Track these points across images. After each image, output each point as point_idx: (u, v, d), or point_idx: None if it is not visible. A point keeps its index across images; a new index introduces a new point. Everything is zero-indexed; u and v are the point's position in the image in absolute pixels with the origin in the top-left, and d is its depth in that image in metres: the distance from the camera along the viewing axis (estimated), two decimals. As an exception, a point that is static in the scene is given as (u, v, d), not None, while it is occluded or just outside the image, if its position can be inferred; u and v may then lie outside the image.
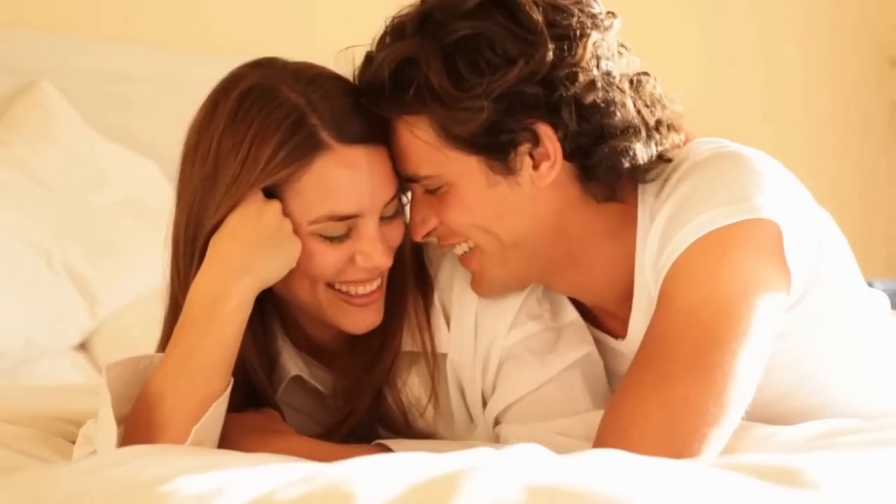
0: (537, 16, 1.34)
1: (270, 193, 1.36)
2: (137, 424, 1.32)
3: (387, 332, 1.47)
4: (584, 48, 1.35)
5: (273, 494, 0.91)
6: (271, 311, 1.49)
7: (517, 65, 1.33)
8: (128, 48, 2.86)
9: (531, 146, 1.36)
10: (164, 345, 1.45)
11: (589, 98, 1.35)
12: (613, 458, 1.02)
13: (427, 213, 1.44)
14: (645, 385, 1.26)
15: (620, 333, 1.50)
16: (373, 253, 1.39)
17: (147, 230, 2.61)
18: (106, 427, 1.31)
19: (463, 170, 1.38)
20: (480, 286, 1.46)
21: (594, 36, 1.37)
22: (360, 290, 1.42)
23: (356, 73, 1.42)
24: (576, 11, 1.37)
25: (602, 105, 1.36)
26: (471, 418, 1.51)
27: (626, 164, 1.37)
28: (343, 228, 1.38)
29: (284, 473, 0.98)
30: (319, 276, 1.40)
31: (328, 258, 1.39)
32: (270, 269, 1.36)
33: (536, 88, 1.34)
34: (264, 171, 1.34)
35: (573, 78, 1.34)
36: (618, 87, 1.38)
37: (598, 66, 1.36)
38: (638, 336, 1.45)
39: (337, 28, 2.95)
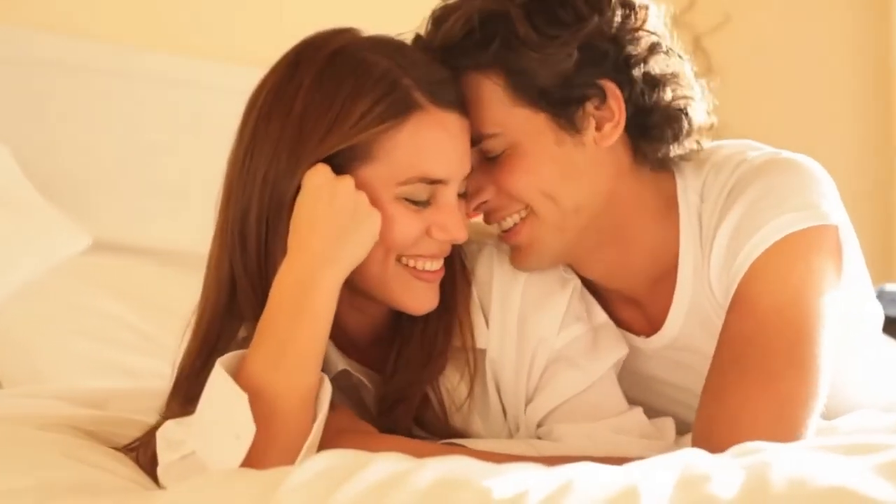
0: None
1: (340, 169, 1.34)
2: None
3: (440, 323, 1.47)
4: (646, 14, 1.45)
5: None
6: None
7: (591, 20, 1.40)
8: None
9: (597, 104, 1.42)
10: (204, 330, 1.42)
11: (653, 59, 1.44)
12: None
13: (483, 181, 1.46)
14: (749, 382, 1.34)
15: (642, 331, 1.57)
16: (451, 224, 1.40)
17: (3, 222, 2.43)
18: (244, 429, 1.24)
19: (530, 128, 1.42)
20: (527, 258, 1.48)
21: (652, 7, 1.47)
22: (429, 265, 1.42)
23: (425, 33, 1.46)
24: None
25: (665, 68, 1.45)
26: (504, 416, 1.53)
27: (683, 126, 1.46)
28: (427, 193, 1.39)
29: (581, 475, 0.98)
30: (396, 244, 1.39)
31: (410, 225, 1.38)
32: (355, 250, 1.34)
33: (607, 45, 1.42)
34: (357, 125, 1.33)
35: (638, 39, 1.43)
36: (677, 55, 1.48)
37: (657, 34, 1.46)
38: (673, 331, 1.53)
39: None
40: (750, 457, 1.03)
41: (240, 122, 1.41)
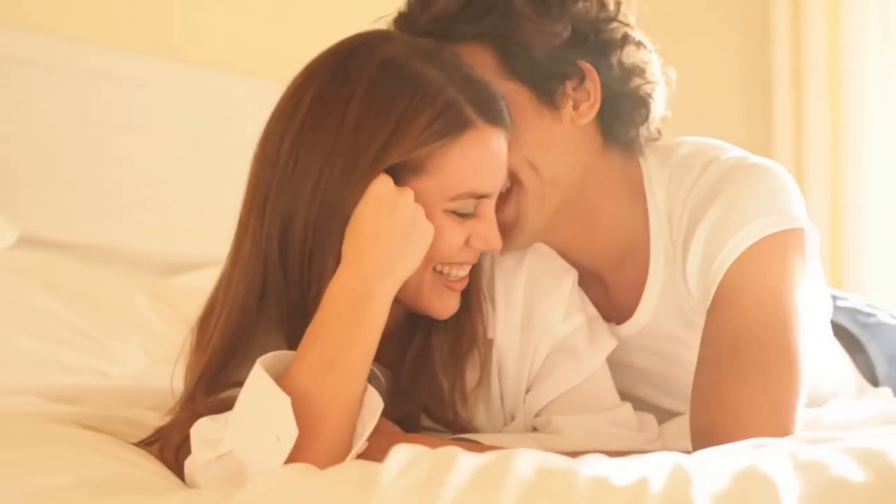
0: None
1: (394, 174, 1.36)
2: None
3: (463, 322, 1.49)
4: (619, 5, 1.56)
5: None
6: None
7: (576, 3, 1.51)
8: None
9: (575, 86, 1.52)
10: (232, 327, 1.40)
11: (626, 48, 1.55)
12: None
13: None
14: (744, 376, 1.42)
15: (611, 319, 1.64)
16: (490, 235, 1.44)
17: None
18: (285, 432, 1.25)
19: (515, 100, 1.49)
20: (512, 235, 1.53)
21: (623, 3, 1.57)
22: (461, 272, 1.46)
23: (409, 7, 1.53)
24: None
25: (636, 58, 1.56)
26: (501, 403, 1.55)
27: (650, 113, 1.58)
28: (472, 207, 1.42)
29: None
30: (439, 255, 1.41)
31: (455, 237, 1.41)
32: (411, 262, 1.37)
33: (588, 29, 1.53)
34: (416, 140, 1.35)
35: (614, 29, 1.55)
36: (646, 48, 1.58)
37: (629, 26, 1.57)
38: (645, 318, 1.62)
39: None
40: (835, 444, 1.09)
41: (271, 124, 1.41)
